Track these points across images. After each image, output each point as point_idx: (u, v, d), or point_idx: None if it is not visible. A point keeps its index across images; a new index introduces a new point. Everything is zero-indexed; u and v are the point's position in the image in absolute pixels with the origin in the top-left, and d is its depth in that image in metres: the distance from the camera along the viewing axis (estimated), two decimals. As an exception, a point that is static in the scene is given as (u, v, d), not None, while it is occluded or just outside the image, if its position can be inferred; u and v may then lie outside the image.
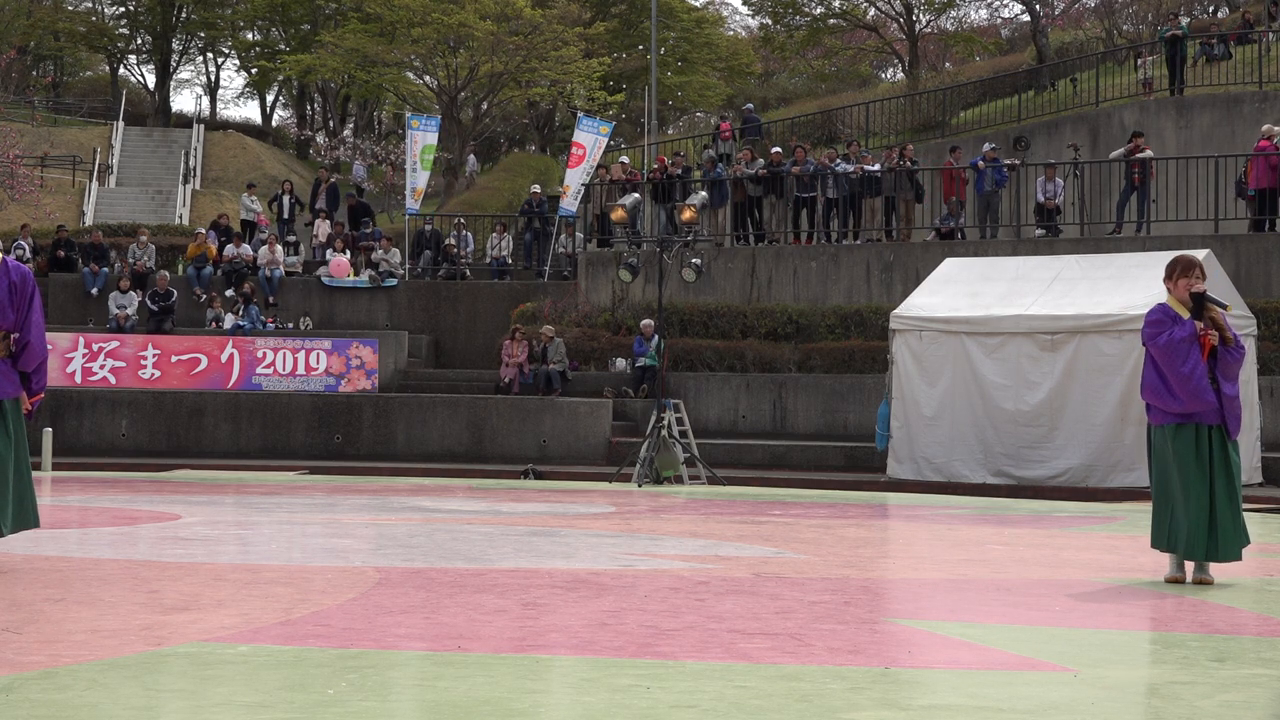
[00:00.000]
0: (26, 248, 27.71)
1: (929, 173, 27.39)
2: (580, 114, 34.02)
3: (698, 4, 54.63)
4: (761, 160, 27.06)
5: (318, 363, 24.79)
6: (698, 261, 21.05)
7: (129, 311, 25.93)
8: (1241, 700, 5.35)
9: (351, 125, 54.11)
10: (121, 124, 45.14)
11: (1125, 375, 17.95)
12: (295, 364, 24.77)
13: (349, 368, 24.78)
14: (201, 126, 47.37)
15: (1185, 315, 8.70)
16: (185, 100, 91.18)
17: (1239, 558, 8.73)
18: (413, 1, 39.75)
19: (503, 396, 23.99)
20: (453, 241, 29.37)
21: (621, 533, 11.96)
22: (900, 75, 49.68)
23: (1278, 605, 8.34)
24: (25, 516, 8.68)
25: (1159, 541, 8.80)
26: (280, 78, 54.13)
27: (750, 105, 39.65)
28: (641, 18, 48.29)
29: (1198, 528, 8.59)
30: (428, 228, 29.65)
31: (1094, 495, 18.15)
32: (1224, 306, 8.85)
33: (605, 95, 44.28)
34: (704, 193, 24.32)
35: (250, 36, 56.00)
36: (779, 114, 45.22)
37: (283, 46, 52.87)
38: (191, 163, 42.73)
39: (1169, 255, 9.41)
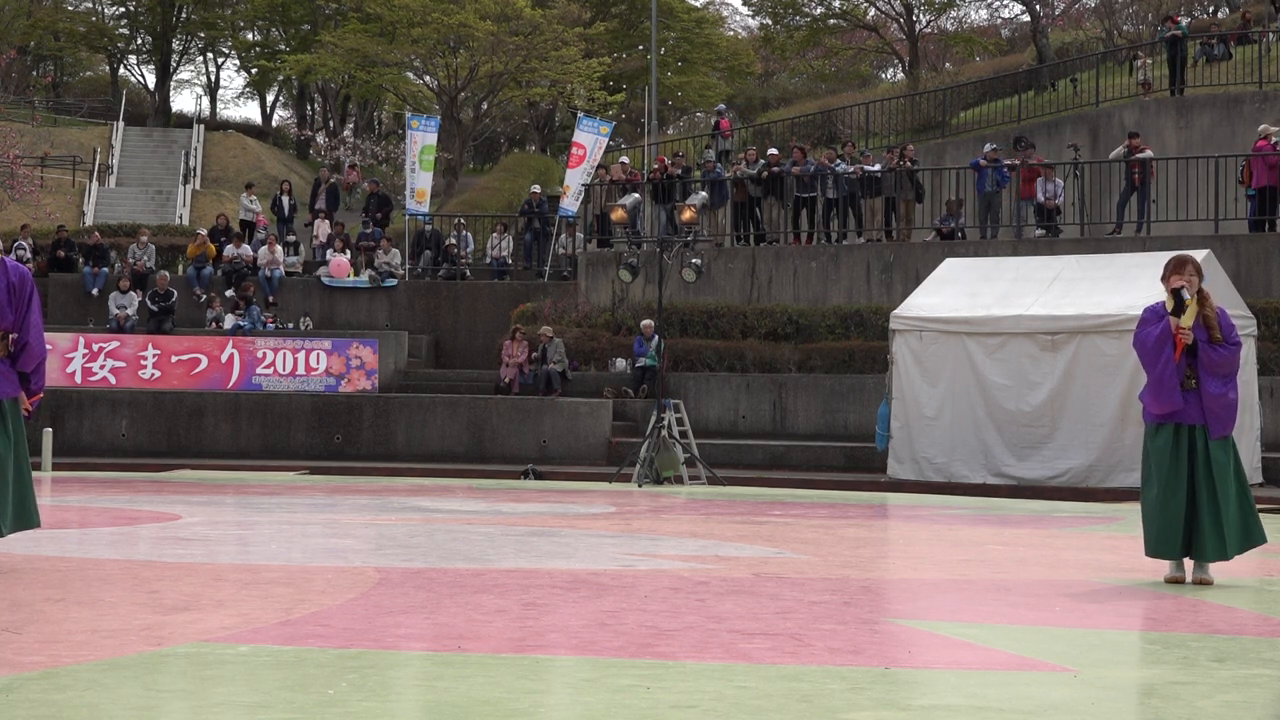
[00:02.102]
0: (26, 248, 27.71)
1: (929, 172, 27.41)
2: (580, 114, 34.00)
3: (698, 4, 54.62)
4: (762, 160, 27.05)
5: (318, 363, 24.78)
6: (698, 261, 21.05)
7: (129, 311, 25.93)
8: (1241, 700, 5.34)
9: (351, 125, 54.07)
10: (121, 124, 45.10)
11: (1126, 375, 17.94)
12: (295, 364, 24.76)
13: (349, 368, 24.77)
14: (201, 126, 47.33)
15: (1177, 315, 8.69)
16: (185, 100, 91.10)
17: (1225, 558, 8.66)
18: (413, 1, 39.74)
19: (503, 396, 23.98)
20: (453, 241, 29.37)
21: (621, 533, 11.96)
22: (900, 75, 49.69)
23: (1278, 605, 8.34)
24: (25, 517, 8.68)
25: (1147, 548, 8.77)
26: (280, 78, 54.13)
27: (722, 106, 39.03)
28: (641, 18, 48.27)
29: (1173, 527, 8.58)
30: (428, 228, 29.64)
31: (1094, 495, 18.14)
32: (1184, 301, 8.64)
33: (605, 95, 44.27)
34: (704, 193, 24.33)
35: (250, 36, 55.98)
36: (779, 114, 45.20)
37: (283, 46, 52.85)
38: (191, 163, 42.69)
39: (1169, 255, 9.37)
